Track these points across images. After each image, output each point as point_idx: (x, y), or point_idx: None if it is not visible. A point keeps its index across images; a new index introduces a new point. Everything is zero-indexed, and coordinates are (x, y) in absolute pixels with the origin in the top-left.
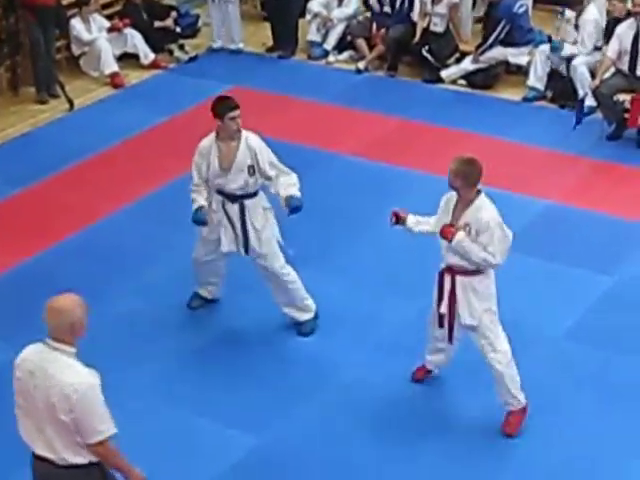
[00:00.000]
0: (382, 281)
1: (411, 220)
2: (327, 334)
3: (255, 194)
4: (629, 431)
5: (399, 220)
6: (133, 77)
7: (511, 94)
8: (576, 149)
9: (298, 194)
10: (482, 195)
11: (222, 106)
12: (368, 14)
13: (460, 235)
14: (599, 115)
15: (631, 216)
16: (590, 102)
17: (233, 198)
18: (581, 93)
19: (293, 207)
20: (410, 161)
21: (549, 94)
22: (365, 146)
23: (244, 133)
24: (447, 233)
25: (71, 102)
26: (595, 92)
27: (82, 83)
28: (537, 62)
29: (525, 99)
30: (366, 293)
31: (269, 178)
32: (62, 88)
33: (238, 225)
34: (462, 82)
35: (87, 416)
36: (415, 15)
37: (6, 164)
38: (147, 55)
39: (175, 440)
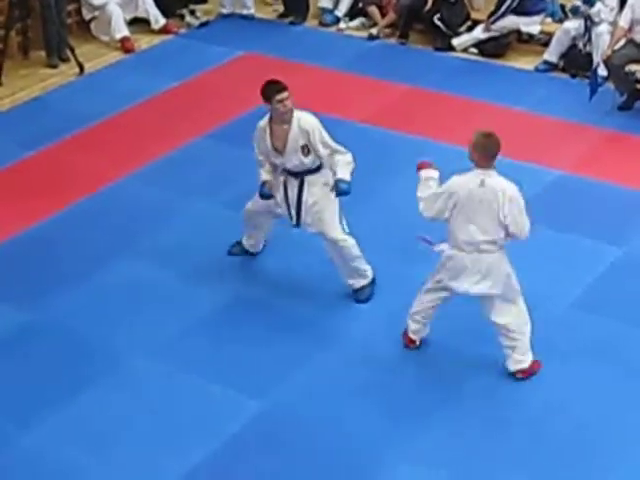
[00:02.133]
0: (385, 245)
1: (428, 179)
2: (331, 299)
3: (317, 170)
4: (631, 403)
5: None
6: (143, 42)
7: (522, 63)
8: (587, 119)
9: (348, 177)
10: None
11: (269, 89)
12: None
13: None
14: (610, 85)
15: None
16: (602, 72)
17: (295, 174)
18: (595, 62)
19: (340, 192)
20: (419, 129)
21: (561, 64)
22: (375, 113)
23: (296, 114)
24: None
25: (81, 66)
26: (607, 62)
27: (92, 47)
28: (561, 38)
29: (537, 69)
30: (369, 256)
31: (322, 157)
32: (72, 52)
33: (294, 199)
34: (473, 50)
35: None
36: None
37: (16, 127)
38: (158, 20)
39: (184, 403)
